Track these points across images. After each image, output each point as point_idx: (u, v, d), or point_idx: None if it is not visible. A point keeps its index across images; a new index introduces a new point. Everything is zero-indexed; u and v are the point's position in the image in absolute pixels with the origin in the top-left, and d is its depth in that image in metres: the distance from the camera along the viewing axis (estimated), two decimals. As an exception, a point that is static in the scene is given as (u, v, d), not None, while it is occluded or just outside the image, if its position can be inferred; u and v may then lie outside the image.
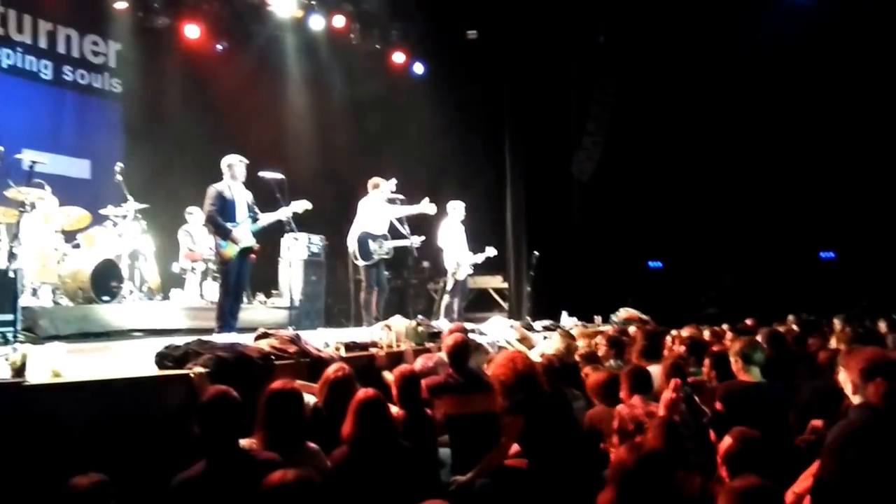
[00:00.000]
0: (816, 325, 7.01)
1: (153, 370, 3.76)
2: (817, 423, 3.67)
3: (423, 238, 8.32)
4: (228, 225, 6.13)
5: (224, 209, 6.14)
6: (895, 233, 13.06)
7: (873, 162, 13.11)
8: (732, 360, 4.17)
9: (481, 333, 7.10)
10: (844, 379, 2.99)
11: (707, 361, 4.44)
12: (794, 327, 7.43)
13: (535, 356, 5.65)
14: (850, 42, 12.48)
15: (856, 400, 2.91)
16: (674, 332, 7.46)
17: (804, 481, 2.93)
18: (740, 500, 2.16)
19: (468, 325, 6.96)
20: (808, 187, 13.60)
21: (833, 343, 5.47)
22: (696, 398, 3.52)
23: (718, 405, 3.82)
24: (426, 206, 8.14)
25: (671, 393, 3.38)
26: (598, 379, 4.33)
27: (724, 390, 3.94)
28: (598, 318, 10.52)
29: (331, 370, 3.94)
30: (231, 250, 6.16)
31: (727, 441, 2.81)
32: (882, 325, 7.40)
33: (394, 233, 8.14)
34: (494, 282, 12.42)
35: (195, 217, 8.72)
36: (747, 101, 13.45)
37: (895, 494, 2.57)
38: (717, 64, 13.11)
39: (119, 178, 8.06)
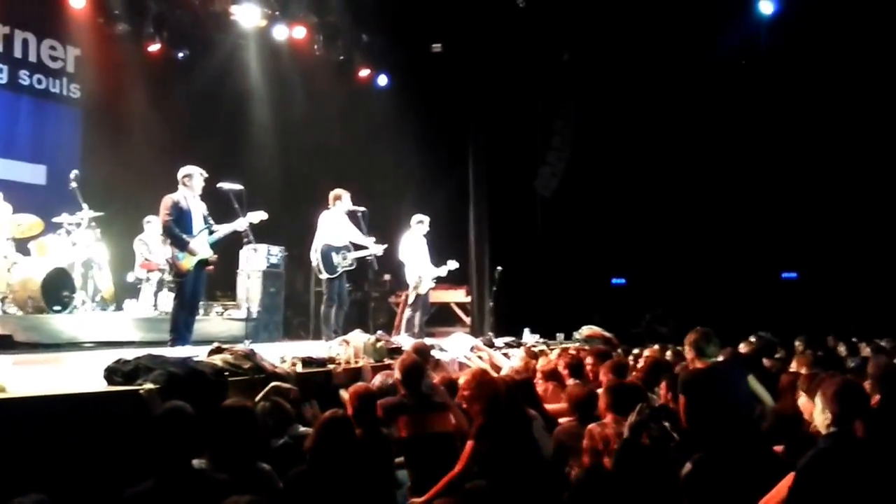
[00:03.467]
0: (774, 347, 7.09)
1: (102, 385, 3.64)
2: (778, 448, 3.70)
3: (385, 245, 8.25)
4: (185, 236, 6.00)
5: (180, 220, 6.02)
6: (857, 253, 13.34)
7: (836, 183, 13.38)
8: (686, 350, 4.21)
9: (442, 350, 7.07)
10: (807, 404, 3.00)
11: (664, 384, 4.45)
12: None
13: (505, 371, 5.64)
14: (811, 64, 12.80)
15: (821, 426, 2.94)
16: (636, 352, 7.54)
17: None
18: None
19: (429, 341, 6.92)
20: (770, 207, 13.81)
21: (794, 366, 5.51)
22: (666, 422, 3.50)
23: (681, 393, 3.84)
24: (374, 248, 8.01)
25: (636, 416, 3.37)
26: (579, 394, 4.29)
27: (684, 378, 3.98)
28: (560, 335, 10.54)
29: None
30: (188, 262, 6.04)
31: (687, 467, 2.81)
32: (842, 349, 7.53)
33: (355, 244, 8.07)
34: (457, 296, 12.40)
35: (153, 226, 8.53)
36: (710, 121, 13.64)
37: None
38: (680, 83, 13.31)
39: (74, 185, 7.85)
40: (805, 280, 14.35)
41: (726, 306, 12.69)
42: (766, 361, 6.05)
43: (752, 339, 7.53)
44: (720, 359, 4.35)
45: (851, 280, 13.21)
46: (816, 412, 2.95)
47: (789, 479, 2.82)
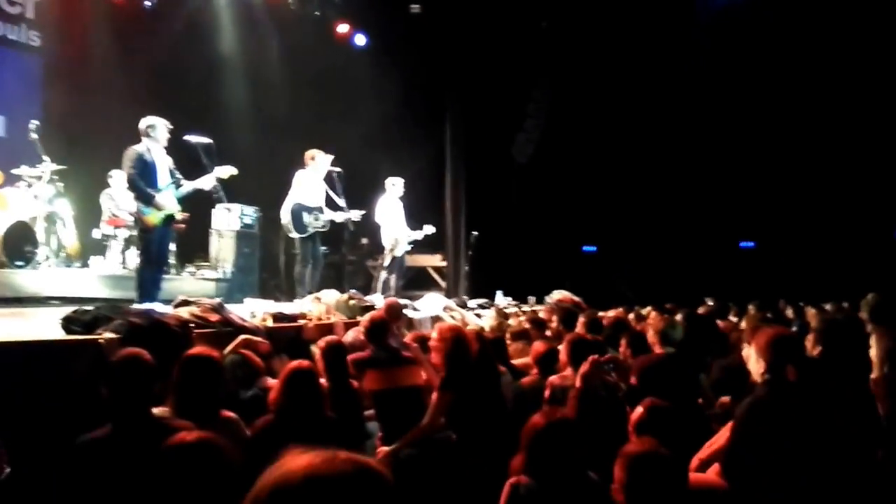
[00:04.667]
0: (728, 310, 7.34)
1: (60, 334, 3.57)
2: (725, 399, 3.80)
3: (363, 212, 8.18)
4: (150, 190, 5.83)
5: (145, 173, 5.81)
6: (812, 225, 13.90)
7: (794, 157, 13.87)
8: (651, 336, 4.28)
9: (415, 309, 7.10)
10: (749, 354, 3.10)
11: (623, 340, 4.54)
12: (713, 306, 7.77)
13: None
14: (776, 41, 13.05)
15: (756, 374, 3.01)
16: (601, 314, 7.64)
17: (709, 448, 3.04)
18: (632, 462, 2.21)
19: (402, 301, 6.93)
20: (732, 181, 14.32)
21: (743, 325, 5.69)
22: (613, 374, 3.60)
23: (634, 379, 3.90)
24: (351, 213, 8.00)
25: (588, 367, 3.45)
26: (540, 350, 4.35)
27: (639, 364, 4.04)
28: (531, 299, 10.63)
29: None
30: (154, 217, 5.87)
31: (638, 411, 2.88)
32: (789, 312, 7.75)
33: (331, 206, 7.99)
34: (433, 260, 12.42)
35: (117, 180, 8.31)
36: (680, 94, 13.93)
37: (800, 464, 2.68)
38: (654, 55, 13.46)
39: (34, 136, 7.60)
40: (762, 249, 15.01)
41: (689, 273, 13.18)
42: (720, 323, 6.22)
43: (710, 302, 7.74)
44: (679, 342, 4.38)
45: (806, 250, 13.81)
46: (751, 362, 3.05)
47: (729, 426, 2.92)
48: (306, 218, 7.67)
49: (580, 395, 3.37)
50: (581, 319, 5.45)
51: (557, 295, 10.74)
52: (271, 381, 3.95)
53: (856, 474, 2.71)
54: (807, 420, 2.77)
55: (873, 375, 3.28)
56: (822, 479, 2.65)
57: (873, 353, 3.33)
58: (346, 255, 11.32)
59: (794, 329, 5.74)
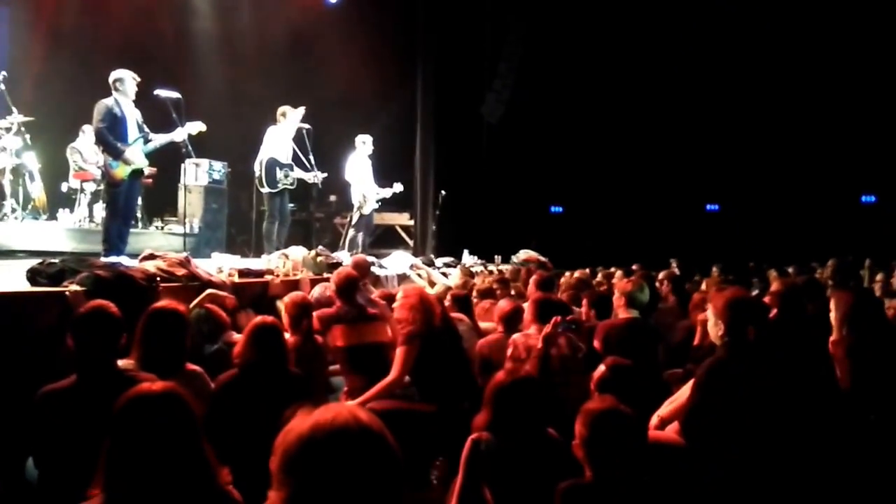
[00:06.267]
0: (693, 272, 7.46)
1: (25, 286, 3.56)
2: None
3: (325, 174, 8.18)
4: (119, 144, 5.77)
5: (114, 126, 5.76)
6: (778, 188, 14.21)
7: (761, 121, 14.09)
8: (617, 298, 4.37)
9: (382, 267, 7.17)
10: (709, 316, 3.19)
11: (585, 301, 4.62)
12: (676, 271, 7.92)
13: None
14: (746, 4, 13.16)
15: (715, 337, 3.11)
16: (567, 274, 7.78)
17: (668, 407, 3.15)
18: (593, 419, 2.26)
19: (370, 258, 6.98)
20: (697, 144, 14.53)
21: (704, 287, 5.81)
22: (573, 335, 3.70)
23: (597, 343, 3.98)
24: (315, 176, 7.95)
25: (550, 328, 3.52)
26: (505, 309, 4.42)
27: (604, 328, 4.13)
28: (498, 258, 10.76)
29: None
30: (122, 171, 5.83)
31: (601, 369, 2.96)
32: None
33: (299, 164, 7.97)
34: (401, 219, 12.45)
35: (87, 135, 8.18)
36: (649, 57, 13.98)
37: (757, 424, 2.80)
38: (625, 17, 13.46)
39: (1, 87, 7.46)
40: (727, 212, 15.39)
41: (655, 234, 13.42)
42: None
43: (674, 263, 7.89)
44: (645, 304, 4.46)
45: (772, 213, 14.16)
46: (710, 325, 3.13)
47: (689, 385, 3.02)
48: (278, 174, 7.66)
49: (542, 355, 3.46)
50: (533, 277, 5.52)
51: (523, 254, 10.93)
52: (236, 336, 4.00)
53: (811, 433, 2.81)
54: (765, 381, 2.85)
55: (832, 338, 3.33)
56: (778, 439, 2.75)
57: (832, 315, 3.40)
58: (315, 213, 11.29)
59: (756, 292, 5.92)
